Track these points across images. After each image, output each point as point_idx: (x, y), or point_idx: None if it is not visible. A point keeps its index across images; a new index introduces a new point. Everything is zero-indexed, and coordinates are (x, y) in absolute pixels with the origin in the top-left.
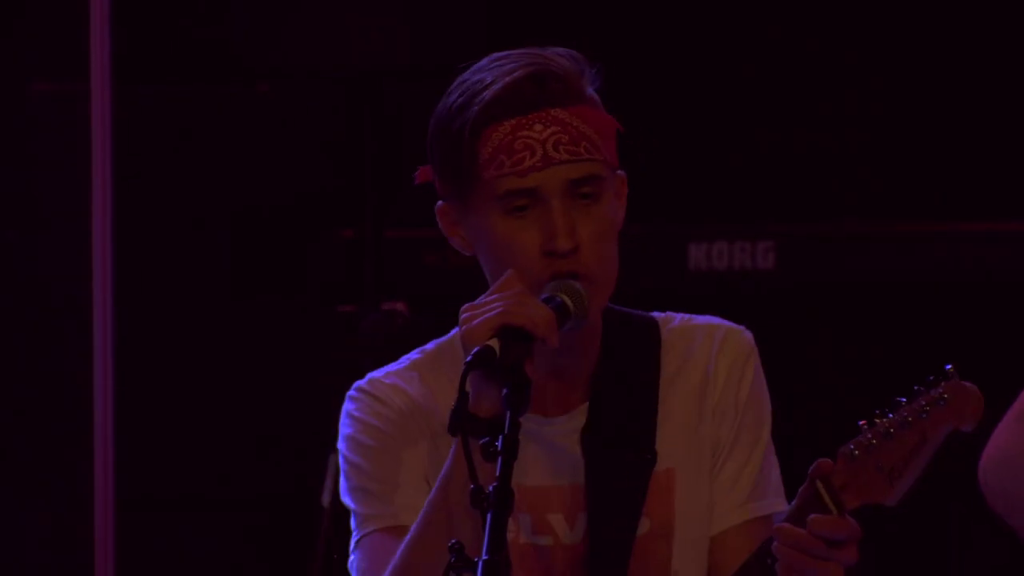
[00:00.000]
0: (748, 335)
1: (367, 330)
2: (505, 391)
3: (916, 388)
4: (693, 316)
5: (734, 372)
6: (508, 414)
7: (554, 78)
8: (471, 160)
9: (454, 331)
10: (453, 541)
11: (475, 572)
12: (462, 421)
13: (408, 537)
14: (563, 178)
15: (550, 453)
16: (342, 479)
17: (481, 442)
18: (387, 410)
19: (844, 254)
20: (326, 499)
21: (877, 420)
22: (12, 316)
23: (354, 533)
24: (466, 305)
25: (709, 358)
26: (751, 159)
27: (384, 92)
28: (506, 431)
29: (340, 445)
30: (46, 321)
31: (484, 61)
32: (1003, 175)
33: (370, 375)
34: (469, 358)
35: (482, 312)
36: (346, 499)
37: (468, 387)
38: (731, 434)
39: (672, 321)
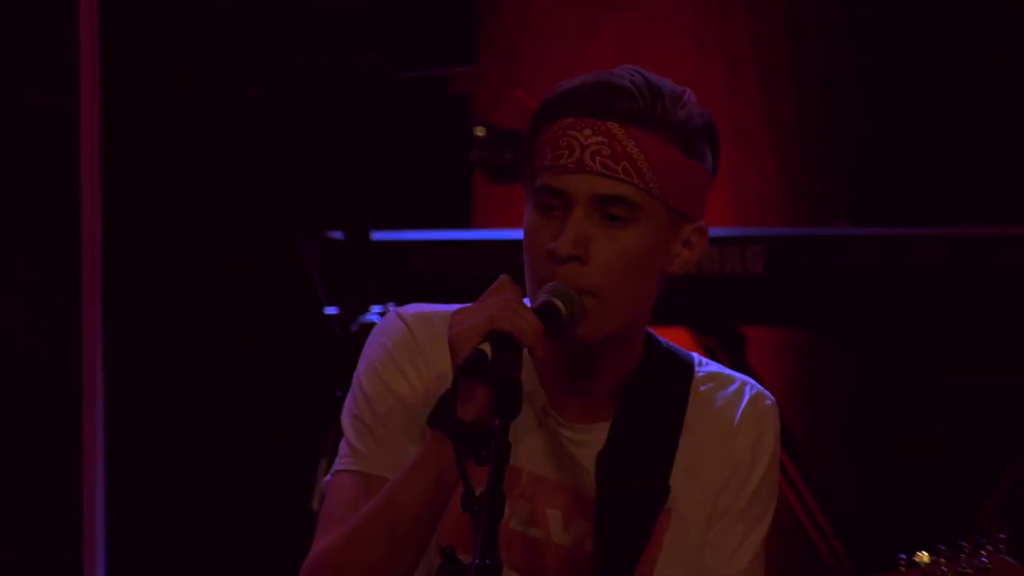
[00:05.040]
0: (777, 408)
1: (362, 335)
2: (496, 397)
3: (959, 544)
4: (725, 368)
5: (762, 437)
6: (500, 420)
7: (627, 95)
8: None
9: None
10: (445, 546)
11: None
12: (444, 418)
13: (367, 510)
14: (591, 189)
15: (561, 453)
16: (348, 399)
17: (473, 447)
18: (419, 355)
19: (834, 258)
20: (315, 504)
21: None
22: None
23: (341, 459)
24: (458, 307)
25: (735, 410)
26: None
27: (371, 96)
28: (498, 436)
29: (360, 364)
30: (36, 326)
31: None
32: (1001, 178)
33: (418, 308)
34: (462, 362)
35: (471, 316)
36: (344, 420)
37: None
38: (741, 500)
39: (705, 364)
